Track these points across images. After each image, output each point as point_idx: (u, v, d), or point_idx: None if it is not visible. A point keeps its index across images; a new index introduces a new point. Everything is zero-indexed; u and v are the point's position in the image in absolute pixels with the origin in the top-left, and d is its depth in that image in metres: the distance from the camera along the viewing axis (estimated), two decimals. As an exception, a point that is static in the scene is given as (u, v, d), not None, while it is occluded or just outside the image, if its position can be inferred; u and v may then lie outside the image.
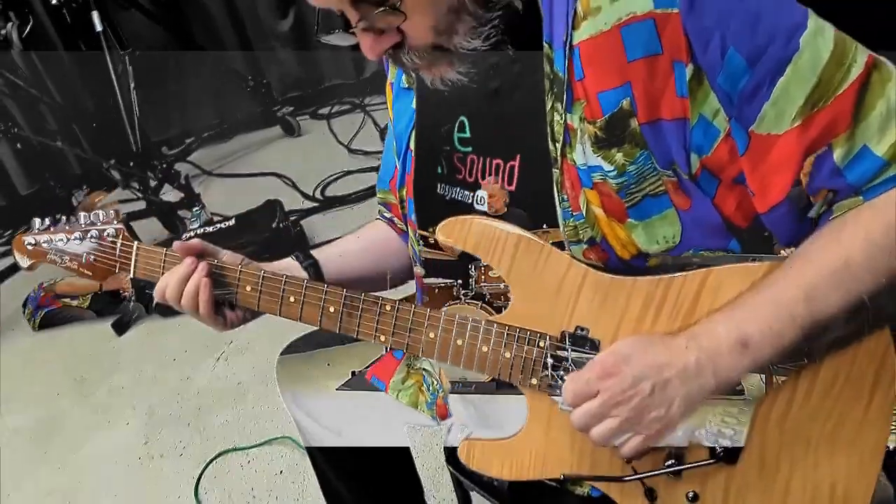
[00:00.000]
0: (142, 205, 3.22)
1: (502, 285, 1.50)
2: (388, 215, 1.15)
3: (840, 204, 0.72)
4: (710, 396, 0.73)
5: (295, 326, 2.26)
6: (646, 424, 0.73)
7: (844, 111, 0.70)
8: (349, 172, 3.33)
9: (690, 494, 0.80)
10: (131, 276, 0.97)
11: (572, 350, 0.81)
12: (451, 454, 1.26)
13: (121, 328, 2.73)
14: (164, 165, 3.28)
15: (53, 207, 2.44)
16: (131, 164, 3.20)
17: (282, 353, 1.25)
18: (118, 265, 0.98)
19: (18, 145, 3.46)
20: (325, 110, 4.12)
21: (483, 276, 1.50)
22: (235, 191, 3.62)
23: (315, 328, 0.96)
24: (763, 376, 0.76)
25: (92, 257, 0.97)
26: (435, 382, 1.16)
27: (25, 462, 2.22)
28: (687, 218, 0.78)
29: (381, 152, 1.18)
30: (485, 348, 0.84)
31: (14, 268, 3.02)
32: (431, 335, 0.85)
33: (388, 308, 0.87)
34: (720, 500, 0.80)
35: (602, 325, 0.81)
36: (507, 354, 0.83)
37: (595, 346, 0.81)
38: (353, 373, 1.16)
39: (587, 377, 0.75)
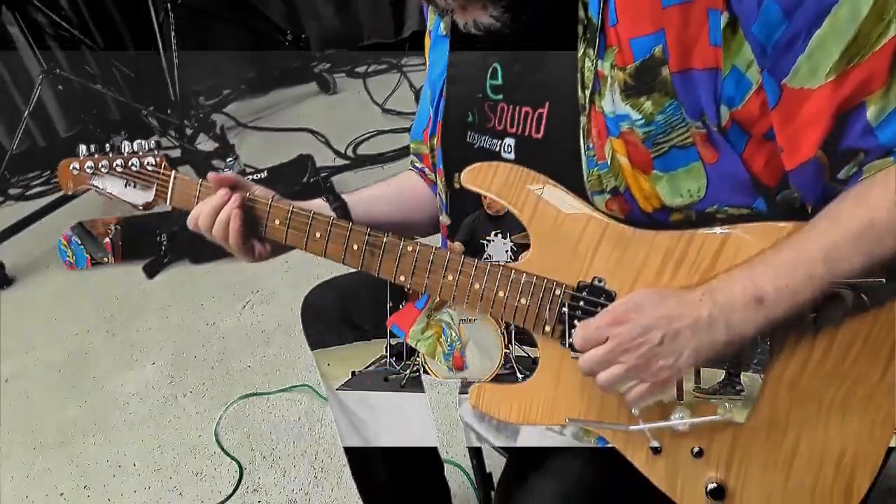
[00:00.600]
0: (177, 153, 3.27)
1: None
2: (419, 165, 1.16)
3: (870, 165, 0.71)
4: (720, 350, 0.73)
5: (315, 273, 2.31)
6: (652, 373, 0.73)
7: (881, 68, 0.68)
8: (382, 132, 3.34)
9: (695, 450, 0.80)
10: (168, 204, 0.99)
11: (587, 300, 0.81)
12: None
13: (151, 271, 2.79)
14: (201, 115, 3.32)
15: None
16: (169, 112, 3.24)
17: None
18: (156, 193, 1.00)
19: (60, 87, 3.52)
20: (361, 69, 4.12)
21: None
22: (269, 144, 3.66)
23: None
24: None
25: (132, 185, 1.00)
26: (453, 335, 1.17)
27: (54, 394, 2.30)
28: (713, 172, 0.78)
29: (414, 113, 1.19)
30: (501, 294, 0.84)
31: (49, 207, 3.09)
32: (450, 278, 0.86)
33: (409, 249, 0.88)
34: (725, 458, 0.80)
35: (619, 277, 0.81)
36: (523, 301, 0.84)
37: (611, 298, 0.81)
38: (353, 373, 1.18)
39: (598, 324, 0.75)
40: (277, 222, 0.94)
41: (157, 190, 0.99)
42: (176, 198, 0.99)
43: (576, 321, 0.81)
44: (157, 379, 2.25)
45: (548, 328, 0.83)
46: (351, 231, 0.90)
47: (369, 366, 1.28)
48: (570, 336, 0.82)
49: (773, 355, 0.76)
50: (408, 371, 1.32)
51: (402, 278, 0.89)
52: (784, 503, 0.79)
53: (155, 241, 2.83)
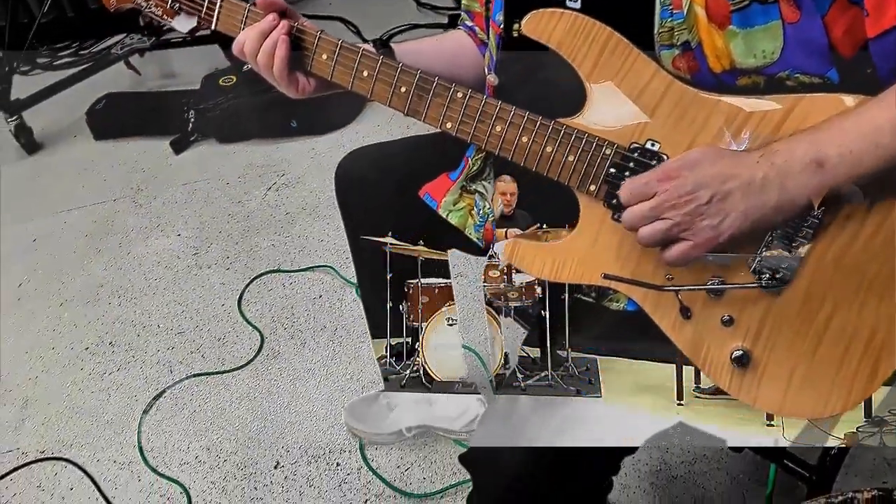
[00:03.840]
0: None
1: (502, 285, 1.48)
2: (469, 24, 1.13)
3: None
4: (768, 215, 0.72)
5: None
6: (696, 232, 0.73)
7: None
8: (415, 26, 3.24)
9: (725, 318, 0.81)
10: (213, 27, 0.96)
11: (637, 162, 0.81)
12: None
13: (178, 148, 2.79)
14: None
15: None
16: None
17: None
18: (202, 14, 0.95)
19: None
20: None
21: (483, 276, 1.48)
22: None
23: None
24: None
25: (178, 4, 0.97)
26: (486, 206, 1.17)
27: (80, 256, 2.35)
28: (791, 33, 0.75)
29: (449, 8, 1.15)
30: (549, 149, 0.83)
31: (77, 77, 3.07)
32: (498, 128, 0.85)
33: (458, 95, 0.86)
34: (755, 329, 0.81)
35: (674, 141, 0.80)
36: (571, 158, 0.83)
37: (662, 162, 0.80)
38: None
39: (647, 178, 0.75)
40: (325, 56, 0.91)
41: (204, 12, 0.94)
42: (221, 22, 0.94)
43: (622, 183, 0.81)
44: (181, 249, 2.29)
45: (593, 188, 0.83)
46: (400, 71, 0.88)
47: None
48: (615, 198, 0.82)
49: (822, 227, 0.76)
50: (408, 371, 1.35)
51: (448, 125, 0.87)
52: (807, 377, 0.80)
53: (182, 118, 2.81)
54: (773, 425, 0.87)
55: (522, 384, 1.08)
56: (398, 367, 1.44)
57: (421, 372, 1.35)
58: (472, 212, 1.18)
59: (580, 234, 0.85)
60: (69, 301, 2.16)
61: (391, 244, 1.43)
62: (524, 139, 0.84)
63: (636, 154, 0.81)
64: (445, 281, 1.52)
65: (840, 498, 0.75)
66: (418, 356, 1.44)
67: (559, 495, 0.89)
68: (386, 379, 1.36)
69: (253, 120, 2.73)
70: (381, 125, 2.67)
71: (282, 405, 1.71)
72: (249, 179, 2.58)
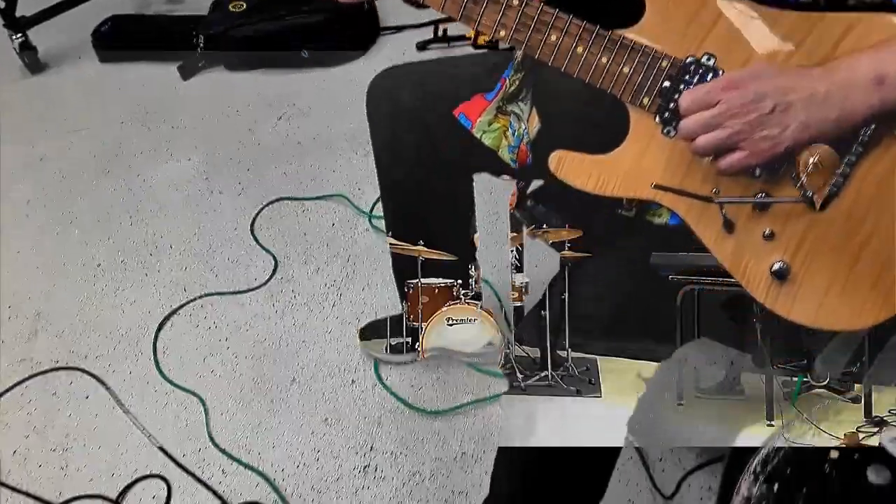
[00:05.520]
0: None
1: None
2: None
3: None
4: (828, 129, 0.74)
5: (353, 93, 2.31)
6: (754, 142, 0.75)
7: None
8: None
9: (767, 232, 0.84)
10: None
11: (693, 75, 0.82)
12: (518, 204, 1.31)
13: (187, 73, 2.75)
14: None
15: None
16: None
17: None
18: None
19: None
20: None
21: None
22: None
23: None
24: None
25: None
26: (521, 128, 1.18)
27: (88, 176, 2.33)
28: None
29: None
30: (604, 60, 0.84)
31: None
32: (553, 38, 0.85)
33: (515, 2, 0.86)
34: (795, 245, 0.84)
35: (732, 56, 0.81)
36: (626, 70, 0.84)
37: (717, 76, 0.81)
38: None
39: (709, 87, 0.76)
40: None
41: None
42: None
43: (677, 96, 0.82)
44: (192, 174, 2.28)
45: (646, 100, 0.84)
46: (455, -26, 0.87)
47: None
48: (667, 112, 0.84)
49: (872, 145, 0.78)
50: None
51: (501, 33, 0.88)
52: (841, 292, 0.83)
53: (191, 43, 2.76)
54: (772, 425, 0.91)
55: (522, 384, 1.09)
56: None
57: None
58: (507, 133, 1.19)
59: (628, 148, 0.87)
60: (79, 219, 2.15)
61: (392, 244, 1.45)
62: (579, 49, 0.85)
63: (692, 67, 0.82)
64: (445, 281, 1.55)
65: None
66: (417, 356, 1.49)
67: (555, 495, 0.93)
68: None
69: (263, 48, 2.69)
70: (393, 59, 2.62)
71: (296, 325, 1.74)
72: (259, 108, 2.56)
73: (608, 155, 0.88)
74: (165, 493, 1.43)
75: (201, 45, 2.73)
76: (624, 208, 0.95)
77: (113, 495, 1.44)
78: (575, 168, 0.89)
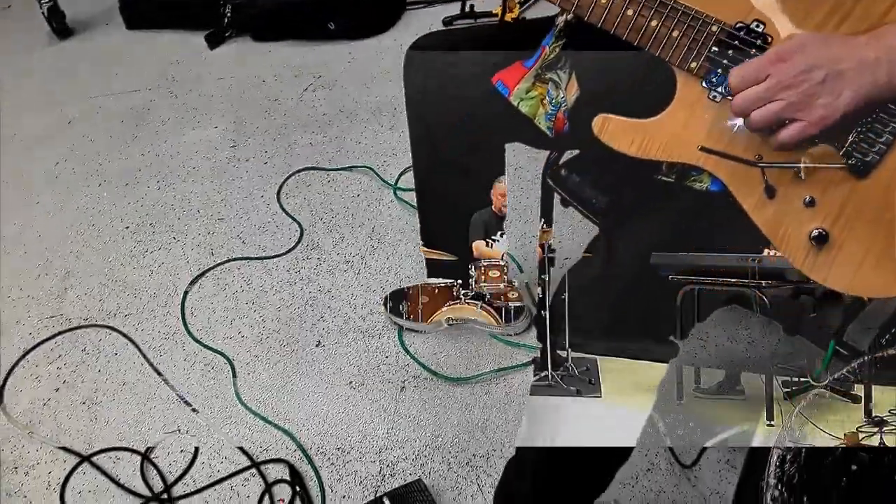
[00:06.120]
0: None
1: (502, 286, 1.49)
2: None
3: None
4: (880, 94, 0.75)
5: (379, 67, 2.33)
6: (810, 111, 0.76)
7: None
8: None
9: (808, 199, 0.85)
10: None
11: (742, 41, 0.83)
12: (552, 173, 1.33)
13: (214, 42, 2.76)
14: None
15: None
16: None
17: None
18: None
19: None
20: None
21: (483, 277, 1.50)
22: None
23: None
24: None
25: None
26: (559, 95, 1.19)
27: (116, 141, 2.36)
28: None
29: None
30: (654, 23, 0.85)
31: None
32: (604, 0, 0.87)
33: (569, -36, 0.87)
34: (835, 212, 0.85)
35: (781, 22, 0.82)
36: (675, 33, 0.85)
37: (766, 43, 0.82)
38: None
39: (758, 62, 0.77)
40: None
41: None
42: None
43: (725, 61, 0.83)
44: (219, 141, 2.30)
45: (694, 65, 0.85)
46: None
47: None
48: (714, 76, 0.85)
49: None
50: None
51: (552, -5, 0.89)
52: (878, 260, 0.84)
53: (218, 13, 2.78)
54: (772, 425, 0.92)
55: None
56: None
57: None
58: (544, 101, 1.20)
59: (674, 112, 0.88)
60: (107, 182, 2.18)
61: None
62: (629, 12, 0.86)
63: (741, 33, 0.83)
64: (445, 281, 1.57)
65: None
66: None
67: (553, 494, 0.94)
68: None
69: (290, 19, 2.70)
70: (419, 33, 2.64)
71: (322, 291, 1.76)
72: (285, 79, 2.57)
73: (652, 119, 0.90)
74: (192, 449, 1.46)
75: (228, 14, 2.75)
76: (663, 174, 0.96)
77: (141, 449, 1.47)
78: (618, 131, 0.91)
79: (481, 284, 1.55)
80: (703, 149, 0.85)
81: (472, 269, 1.55)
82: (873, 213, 0.84)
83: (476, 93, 1.25)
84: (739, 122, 0.83)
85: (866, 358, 0.88)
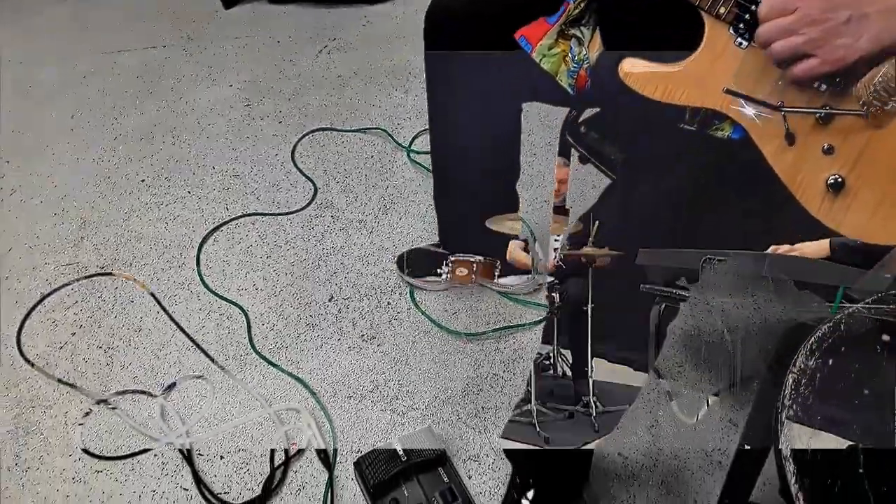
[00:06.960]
0: None
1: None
2: None
3: None
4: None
5: (394, 30, 2.34)
6: (829, 49, 0.78)
7: None
8: None
9: (826, 146, 0.87)
10: None
11: (769, -13, 0.84)
12: (571, 130, 1.34)
13: (229, 2, 2.77)
14: None
15: None
16: None
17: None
18: None
19: None
20: None
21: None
22: None
23: None
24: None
25: None
26: (582, 52, 1.21)
27: (132, 96, 2.37)
28: None
29: None
30: (684, -32, 0.87)
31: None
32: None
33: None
34: (852, 160, 0.87)
35: (808, -31, 0.83)
36: (704, -22, 0.87)
37: (793, -9, 0.84)
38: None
39: None
40: None
41: None
42: None
43: (753, 6, 0.85)
44: (234, 99, 2.31)
45: (723, 10, 0.87)
46: None
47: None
48: (742, 23, 0.86)
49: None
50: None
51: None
52: (892, 209, 0.87)
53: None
54: None
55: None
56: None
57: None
58: (567, 57, 1.22)
59: (700, 58, 0.90)
60: (123, 136, 2.20)
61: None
62: (660, -43, 0.88)
63: (769, -21, 0.84)
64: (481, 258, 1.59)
65: None
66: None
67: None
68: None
69: (306, -18, 2.70)
70: None
71: (335, 248, 1.79)
72: (300, 41, 2.58)
73: (678, 64, 0.91)
74: (207, 393, 1.49)
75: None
76: (686, 122, 0.98)
77: (157, 392, 1.50)
78: (644, 76, 0.93)
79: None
80: (728, 91, 0.86)
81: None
82: (888, 163, 0.86)
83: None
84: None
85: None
